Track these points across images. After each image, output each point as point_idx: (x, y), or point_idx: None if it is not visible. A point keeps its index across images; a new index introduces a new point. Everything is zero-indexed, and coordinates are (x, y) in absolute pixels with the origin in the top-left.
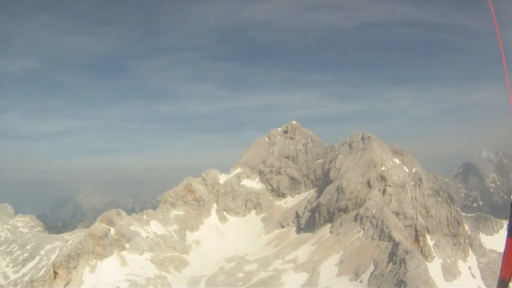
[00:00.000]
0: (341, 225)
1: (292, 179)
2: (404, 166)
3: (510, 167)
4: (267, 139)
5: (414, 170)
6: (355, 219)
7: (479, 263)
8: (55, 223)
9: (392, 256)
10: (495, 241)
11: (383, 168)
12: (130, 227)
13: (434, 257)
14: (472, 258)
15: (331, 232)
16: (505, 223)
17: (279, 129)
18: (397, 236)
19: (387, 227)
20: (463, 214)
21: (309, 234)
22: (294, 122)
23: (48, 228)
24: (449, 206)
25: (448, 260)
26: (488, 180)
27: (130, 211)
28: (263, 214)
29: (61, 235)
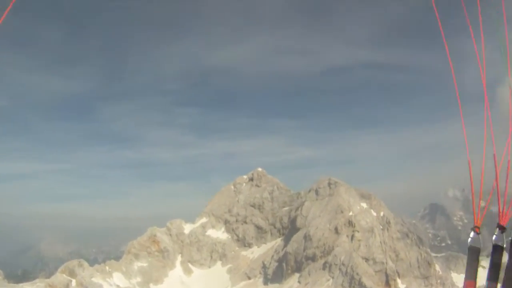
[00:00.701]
0: (309, 274)
1: (258, 228)
2: (372, 210)
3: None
4: (232, 187)
5: (382, 214)
6: (324, 267)
7: None
8: (15, 272)
9: None
10: None
11: (351, 213)
12: (92, 279)
13: None
14: None
15: (299, 282)
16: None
17: (245, 176)
18: (367, 282)
19: (357, 274)
20: (433, 254)
21: (276, 285)
22: (259, 169)
23: (7, 277)
24: (419, 247)
25: None
26: (455, 219)
27: (92, 262)
28: (229, 265)
29: (20, 285)
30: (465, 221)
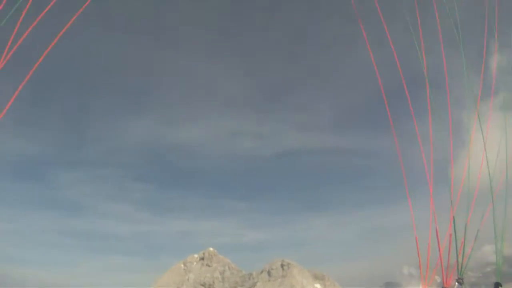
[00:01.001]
0: None
1: None
2: None
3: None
4: (182, 265)
5: None
6: None
7: None
8: None
9: None
10: None
11: None
12: None
13: None
14: None
15: None
16: None
17: (196, 255)
18: None
19: None
20: None
21: None
22: (211, 249)
23: None
24: None
25: None
26: None
27: None
28: None
29: None
30: None
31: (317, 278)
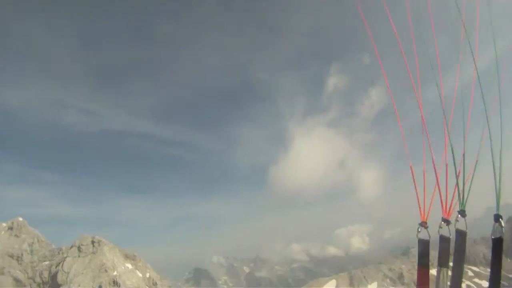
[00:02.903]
0: None
1: (17, 280)
2: (137, 271)
3: (240, 269)
4: None
5: (147, 275)
6: None
7: None
8: None
9: None
10: None
11: (115, 272)
12: None
13: None
14: None
15: None
16: None
17: (4, 224)
18: None
19: None
20: None
21: None
22: (20, 219)
23: None
24: None
25: None
26: (220, 282)
27: None
28: None
29: None
30: (230, 284)
31: (128, 257)
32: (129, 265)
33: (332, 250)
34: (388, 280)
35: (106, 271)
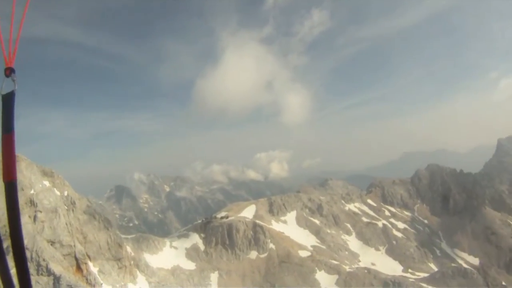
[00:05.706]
0: None
1: None
2: (55, 189)
3: (161, 188)
4: None
5: (66, 193)
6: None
7: (149, 283)
8: None
9: None
10: (160, 259)
11: (32, 191)
12: None
13: (101, 284)
14: (141, 279)
15: None
16: (167, 241)
17: None
18: (56, 268)
19: (44, 260)
20: (122, 236)
21: None
22: None
23: None
24: (107, 229)
25: (117, 285)
26: (141, 201)
27: None
28: None
29: None
30: (151, 203)
31: (46, 174)
32: (47, 183)
33: (251, 174)
34: (307, 210)
35: (23, 189)
